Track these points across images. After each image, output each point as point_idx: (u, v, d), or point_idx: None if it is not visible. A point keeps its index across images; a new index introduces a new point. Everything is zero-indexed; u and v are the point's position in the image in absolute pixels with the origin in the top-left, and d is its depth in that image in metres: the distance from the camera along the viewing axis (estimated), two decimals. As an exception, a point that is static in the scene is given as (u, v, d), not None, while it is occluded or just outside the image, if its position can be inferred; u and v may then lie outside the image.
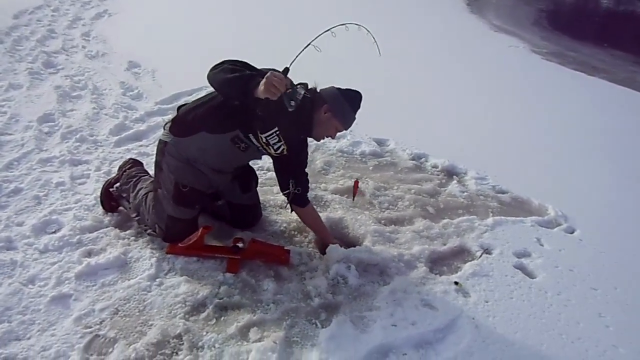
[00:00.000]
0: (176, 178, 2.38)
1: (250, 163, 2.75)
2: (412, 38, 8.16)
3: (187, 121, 2.36)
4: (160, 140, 2.48)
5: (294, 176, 2.50)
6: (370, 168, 3.62)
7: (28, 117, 3.69)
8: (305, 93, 2.16)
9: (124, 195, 2.60)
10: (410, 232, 2.83)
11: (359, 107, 2.42)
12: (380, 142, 4.04)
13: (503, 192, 3.49)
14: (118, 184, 2.65)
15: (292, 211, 2.62)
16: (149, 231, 2.50)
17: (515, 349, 2.08)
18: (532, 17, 12.56)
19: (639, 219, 3.44)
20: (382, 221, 2.94)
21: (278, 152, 2.37)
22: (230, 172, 2.56)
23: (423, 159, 3.86)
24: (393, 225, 2.90)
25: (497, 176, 3.66)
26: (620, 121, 5.66)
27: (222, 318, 2.09)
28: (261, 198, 2.82)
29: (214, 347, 1.94)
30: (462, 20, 10.39)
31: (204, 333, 2.00)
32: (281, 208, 2.92)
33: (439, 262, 2.65)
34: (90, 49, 5.53)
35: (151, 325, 2.02)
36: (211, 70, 2.15)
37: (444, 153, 3.87)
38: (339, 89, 2.38)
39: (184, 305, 2.13)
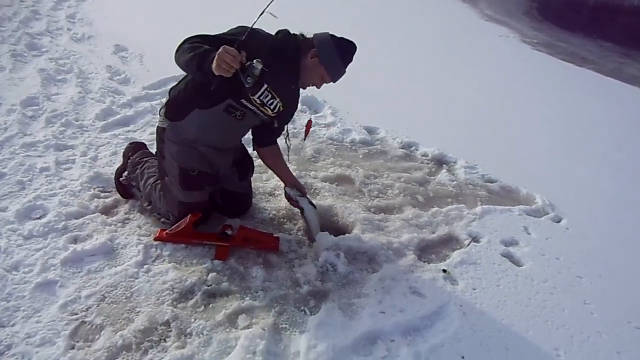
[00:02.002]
0: (179, 163, 2.35)
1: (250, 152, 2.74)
2: (404, 27, 8.11)
3: (179, 103, 2.33)
4: (157, 127, 2.45)
5: (283, 129, 2.53)
6: (360, 156, 3.61)
7: (11, 101, 3.60)
8: (262, 68, 1.93)
9: (134, 183, 2.56)
10: (399, 220, 2.83)
11: (350, 60, 2.28)
12: (370, 130, 4.03)
13: (492, 181, 3.51)
14: (126, 173, 2.60)
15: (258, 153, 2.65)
16: (162, 219, 2.48)
17: (501, 335, 2.10)
18: (523, 7, 12.57)
19: (625, 208, 3.50)
20: (372, 209, 2.94)
21: (275, 110, 2.33)
22: (232, 148, 2.53)
23: (413, 148, 3.86)
24: (382, 214, 2.91)
25: (486, 165, 3.68)
26: (606, 112, 5.73)
27: (211, 305, 2.08)
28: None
29: (202, 333, 1.93)
30: (454, 10, 10.37)
31: (192, 320, 1.99)
32: (270, 195, 2.90)
33: (428, 250, 2.66)
34: (75, 32, 5.41)
35: (138, 312, 2.00)
36: (175, 52, 2.09)
37: (434, 142, 3.88)
38: (332, 35, 2.25)
39: (171, 292, 2.11)
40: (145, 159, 2.64)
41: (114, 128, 3.47)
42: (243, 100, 2.25)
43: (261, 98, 2.24)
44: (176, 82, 2.44)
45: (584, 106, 5.76)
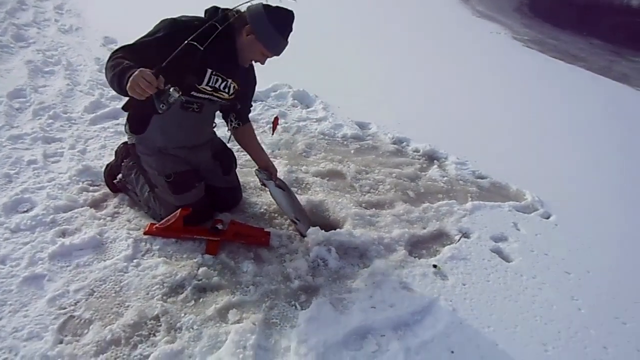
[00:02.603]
0: (159, 172, 2.34)
1: (231, 145, 2.70)
2: (395, 22, 8.11)
3: (137, 115, 2.31)
4: (128, 145, 2.46)
5: (250, 104, 2.52)
6: (352, 151, 3.61)
7: (-2, 92, 3.55)
8: (179, 96, 1.89)
9: (129, 187, 2.52)
10: (390, 215, 2.84)
11: (288, 30, 2.15)
12: (362, 126, 4.03)
13: (482, 178, 3.53)
14: (120, 175, 2.57)
15: (231, 134, 2.60)
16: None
17: (491, 331, 2.12)
18: (515, 4, 12.62)
19: (613, 204, 3.53)
20: (363, 204, 2.94)
21: (231, 92, 2.31)
22: (205, 143, 2.51)
23: (404, 143, 3.87)
24: (374, 209, 2.91)
25: (477, 161, 3.70)
26: (597, 109, 5.78)
27: (201, 300, 2.07)
28: (241, 180, 2.79)
29: (193, 328, 1.92)
30: (446, 6, 10.38)
31: (182, 314, 1.98)
32: (262, 190, 2.89)
33: (419, 246, 2.67)
34: (63, 23, 5.34)
35: (128, 306, 1.99)
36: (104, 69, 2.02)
37: (425, 138, 3.89)
38: (265, 6, 2.11)
39: (161, 286, 2.09)
40: (138, 162, 2.59)
41: (103, 121, 3.43)
42: (194, 93, 2.22)
43: (210, 84, 2.20)
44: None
45: (575, 103, 5.80)
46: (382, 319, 2.08)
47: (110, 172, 2.66)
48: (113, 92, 3.76)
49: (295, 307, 2.11)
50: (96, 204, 2.57)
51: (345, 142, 3.72)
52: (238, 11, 2.18)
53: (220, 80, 2.24)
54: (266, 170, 2.59)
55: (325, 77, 4.87)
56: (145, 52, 2.03)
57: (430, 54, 6.72)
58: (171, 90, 1.86)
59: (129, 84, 1.78)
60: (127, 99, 2.10)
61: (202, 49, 2.02)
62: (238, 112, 2.54)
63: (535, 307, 2.32)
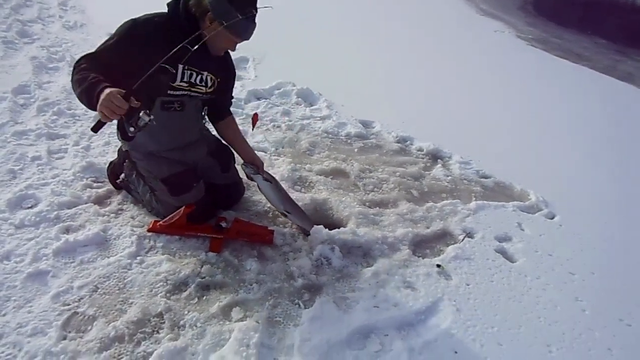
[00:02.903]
0: (155, 176, 2.35)
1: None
2: (398, 20, 8.08)
3: (122, 122, 2.30)
4: (123, 151, 2.47)
5: (231, 95, 2.50)
6: (356, 150, 3.60)
7: (2, 88, 3.54)
8: (149, 120, 1.85)
9: (132, 187, 2.52)
10: (394, 214, 2.83)
11: (250, 8, 2.00)
12: (365, 124, 4.02)
13: (486, 177, 3.52)
14: (123, 175, 2.56)
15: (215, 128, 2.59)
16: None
17: (494, 331, 2.11)
18: (519, 2, 12.57)
19: (618, 205, 3.51)
20: (367, 203, 2.93)
21: (210, 85, 2.27)
22: (196, 141, 2.48)
23: (408, 142, 3.85)
24: (377, 208, 2.90)
25: (481, 161, 3.69)
26: (601, 109, 5.75)
27: (204, 297, 2.07)
28: (242, 176, 2.78)
29: (196, 326, 1.92)
30: (449, 3, 10.33)
31: (186, 312, 1.98)
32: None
33: (422, 245, 2.66)
34: (67, 19, 5.33)
35: (131, 303, 1.99)
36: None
37: (429, 136, 3.88)
38: None
39: (165, 283, 2.09)
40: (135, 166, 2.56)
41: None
42: (170, 92, 2.16)
43: (185, 80, 2.16)
44: None
45: (579, 103, 5.78)
46: (386, 318, 2.08)
47: (113, 170, 2.66)
48: (117, 89, 3.80)
49: (299, 305, 2.11)
50: (100, 201, 2.57)
51: (349, 141, 3.71)
52: (199, 0, 2.06)
53: (194, 75, 2.18)
54: (252, 164, 2.53)
55: (329, 75, 4.86)
56: (108, 58, 1.99)
57: (434, 52, 6.70)
58: (141, 114, 1.82)
59: (99, 104, 1.74)
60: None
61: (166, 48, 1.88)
62: (217, 106, 2.50)
63: (539, 308, 2.32)
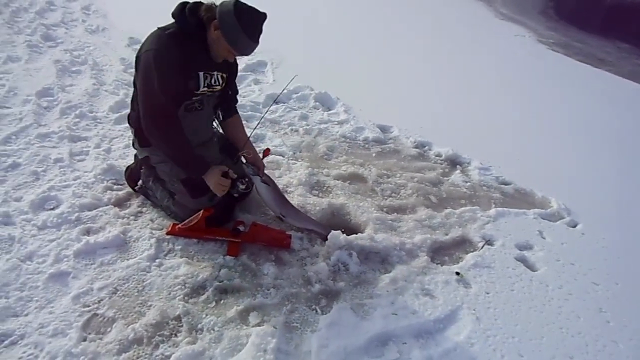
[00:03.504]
0: (176, 176, 2.37)
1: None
2: (417, 25, 8.04)
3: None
4: (140, 160, 2.49)
5: (236, 91, 2.57)
6: (373, 155, 3.58)
7: (27, 91, 3.62)
8: (244, 189, 2.31)
9: (150, 192, 2.55)
10: (412, 220, 2.80)
11: (257, 32, 2.11)
12: (383, 129, 3.99)
13: (506, 184, 3.46)
14: (140, 182, 2.60)
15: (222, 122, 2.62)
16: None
17: (515, 341, 2.07)
18: (539, 6, 12.39)
19: (642, 214, 3.43)
20: (385, 209, 2.91)
21: (222, 82, 2.37)
22: (211, 137, 2.55)
23: (426, 147, 3.82)
24: (395, 214, 2.88)
25: (500, 167, 3.63)
26: (624, 115, 5.63)
27: (222, 301, 2.07)
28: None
29: (214, 330, 1.92)
30: (469, 8, 10.26)
31: (204, 315, 1.98)
32: (283, 192, 2.88)
33: (441, 252, 2.63)
34: (90, 23, 5.43)
35: (150, 306, 2.00)
36: (149, 123, 2.16)
37: (448, 142, 3.84)
38: (236, 5, 2.06)
39: (183, 287, 2.10)
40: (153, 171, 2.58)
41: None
42: (194, 98, 2.28)
43: (206, 83, 2.27)
44: (131, 110, 2.45)
45: (601, 109, 5.67)
46: (404, 326, 2.05)
47: (131, 175, 2.69)
48: (138, 93, 3.85)
49: (316, 311, 2.10)
50: (120, 203, 2.60)
51: (366, 145, 3.70)
52: (213, 5, 2.15)
53: (209, 77, 2.29)
54: (253, 164, 2.53)
55: (347, 80, 4.85)
56: (168, 96, 2.14)
57: (453, 56, 6.64)
58: (239, 184, 2.27)
59: (212, 187, 2.23)
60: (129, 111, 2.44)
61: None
62: (227, 99, 2.56)
63: (562, 319, 2.27)
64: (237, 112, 2.64)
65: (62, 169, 2.78)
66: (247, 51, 2.19)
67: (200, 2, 2.20)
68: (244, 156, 2.52)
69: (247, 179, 2.31)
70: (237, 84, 2.59)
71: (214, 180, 2.21)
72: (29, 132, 3.10)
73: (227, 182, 2.22)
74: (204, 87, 2.28)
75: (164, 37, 2.12)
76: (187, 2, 2.19)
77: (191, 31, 2.14)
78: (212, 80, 2.32)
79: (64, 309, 1.93)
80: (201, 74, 2.24)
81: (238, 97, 2.64)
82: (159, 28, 2.18)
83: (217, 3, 2.17)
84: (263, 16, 2.12)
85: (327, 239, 2.47)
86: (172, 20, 2.19)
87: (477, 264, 2.52)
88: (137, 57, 2.19)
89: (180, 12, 2.16)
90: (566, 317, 2.28)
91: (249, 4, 2.10)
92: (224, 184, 2.22)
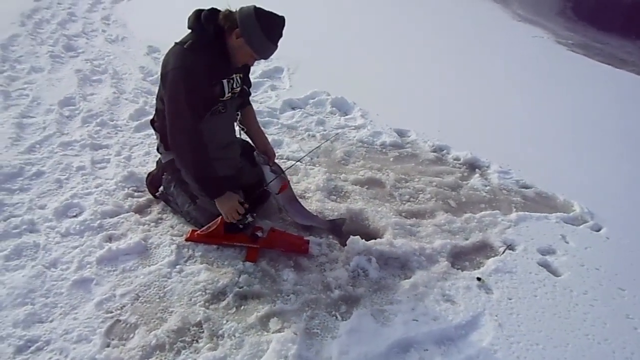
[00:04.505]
0: None
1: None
2: (432, 28, 8.00)
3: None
4: (164, 163, 2.52)
5: (249, 84, 2.61)
6: (391, 159, 3.56)
7: (49, 101, 3.70)
8: (252, 221, 2.31)
9: (171, 199, 2.58)
10: (431, 225, 2.78)
11: (278, 36, 2.17)
12: (401, 133, 3.97)
13: (527, 187, 3.41)
14: (162, 188, 2.64)
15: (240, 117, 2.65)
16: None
17: (539, 348, 2.03)
18: (557, 7, 12.20)
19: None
20: (403, 214, 2.89)
21: (240, 83, 2.44)
22: (233, 140, 2.58)
23: (445, 151, 3.78)
24: (414, 218, 2.86)
25: (520, 170, 3.58)
26: (648, 116, 5.50)
27: (242, 307, 2.08)
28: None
29: (234, 336, 1.93)
30: (486, 10, 10.16)
31: (224, 322, 1.99)
32: (300, 198, 2.89)
33: (461, 257, 2.60)
34: (110, 33, 5.53)
35: (171, 312, 2.02)
36: (174, 132, 2.20)
37: (466, 145, 3.79)
38: (256, 11, 2.12)
39: (204, 293, 2.12)
40: (177, 176, 2.56)
41: (147, 128, 3.50)
42: (219, 104, 2.33)
43: (229, 88, 2.32)
44: (154, 116, 2.49)
45: (623, 110, 5.54)
46: (425, 332, 2.03)
47: (152, 181, 2.72)
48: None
49: (336, 317, 2.09)
50: (141, 210, 2.63)
51: (384, 150, 3.68)
52: (229, 12, 2.19)
53: (231, 81, 2.34)
54: (265, 153, 2.59)
55: (364, 84, 4.84)
56: (194, 111, 2.20)
57: (470, 59, 6.58)
58: (249, 217, 2.28)
59: (224, 212, 2.25)
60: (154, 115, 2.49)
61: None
62: (243, 94, 2.58)
63: (587, 325, 2.22)
64: (250, 104, 2.69)
65: (84, 177, 2.84)
66: (269, 55, 2.24)
67: (215, 8, 2.23)
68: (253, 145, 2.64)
69: (255, 214, 2.34)
70: (254, 91, 2.62)
71: (230, 205, 2.23)
72: (52, 140, 3.17)
73: (241, 209, 2.24)
74: (228, 93, 2.33)
75: (186, 53, 2.15)
76: (202, 10, 2.22)
77: (210, 41, 2.17)
78: (234, 84, 2.37)
79: (88, 315, 1.96)
80: (225, 81, 2.28)
81: (255, 103, 2.67)
82: (176, 43, 2.22)
83: (231, 8, 2.20)
84: (282, 20, 2.17)
85: (345, 244, 2.45)
86: (189, 31, 2.23)
87: (499, 269, 2.48)
88: (162, 75, 2.23)
89: (196, 22, 2.19)
90: (591, 323, 2.23)
91: (266, 8, 2.13)
92: (238, 212, 2.24)
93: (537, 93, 5.61)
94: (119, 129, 3.47)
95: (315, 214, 2.70)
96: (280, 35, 2.18)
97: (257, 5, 2.14)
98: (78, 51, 4.86)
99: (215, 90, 2.27)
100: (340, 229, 2.62)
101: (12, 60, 4.33)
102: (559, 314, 2.25)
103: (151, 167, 2.88)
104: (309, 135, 3.72)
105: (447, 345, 2.01)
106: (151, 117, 2.56)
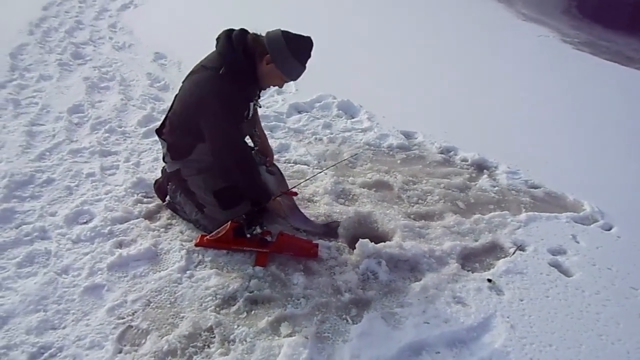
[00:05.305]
0: (209, 189, 2.42)
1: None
2: (438, 28, 7.99)
3: (180, 145, 2.42)
4: (169, 173, 2.54)
5: None
6: (398, 161, 3.56)
7: (58, 108, 3.74)
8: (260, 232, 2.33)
9: (179, 207, 2.60)
10: (440, 227, 2.77)
11: (307, 57, 2.23)
12: (407, 135, 3.96)
13: (536, 187, 3.39)
14: (168, 197, 2.65)
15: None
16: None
17: (552, 349, 2.02)
18: (562, 6, 12.14)
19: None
20: (412, 216, 2.88)
21: (258, 103, 2.54)
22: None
23: (452, 152, 3.77)
24: (423, 220, 2.85)
25: (529, 170, 3.56)
26: (657, 114, 5.44)
27: (253, 312, 2.08)
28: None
29: (246, 340, 1.93)
30: (490, 9, 10.13)
31: (235, 326, 1.99)
32: (309, 201, 2.90)
33: (471, 259, 2.59)
34: (117, 40, 5.58)
35: (183, 317, 2.03)
36: (230, 154, 2.29)
37: (474, 146, 3.78)
38: (284, 35, 2.18)
39: (214, 298, 2.12)
40: (183, 183, 2.59)
41: (155, 134, 3.53)
42: (247, 115, 2.41)
43: (252, 109, 2.46)
44: (162, 126, 2.53)
45: (631, 107, 5.49)
46: (437, 335, 2.03)
47: (159, 188, 2.74)
48: (164, 106, 3.94)
49: (347, 321, 2.09)
50: (150, 216, 2.65)
51: (391, 152, 3.67)
52: (256, 35, 2.26)
53: (255, 102, 2.48)
54: (263, 153, 2.67)
55: (369, 87, 4.84)
56: (240, 127, 2.36)
57: (475, 59, 6.55)
58: (257, 228, 2.31)
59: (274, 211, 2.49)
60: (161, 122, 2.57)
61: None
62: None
63: (600, 325, 2.20)
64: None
65: (94, 184, 2.86)
66: (299, 77, 2.30)
67: (245, 30, 2.27)
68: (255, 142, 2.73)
69: (265, 227, 2.38)
70: (261, 95, 2.65)
71: (278, 205, 2.44)
72: (61, 148, 3.20)
73: (283, 213, 2.51)
74: (252, 110, 2.46)
75: (224, 80, 2.19)
76: (232, 31, 2.25)
77: (242, 67, 2.22)
78: (256, 104, 2.48)
79: (100, 322, 1.97)
80: (252, 104, 2.42)
81: (262, 108, 2.71)
82: (206, 67, 2.24)
83: (257, 31, 2.27)
84: (310, 41, 2.22)
85: (354, 247, 2.45)
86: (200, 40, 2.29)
87: (509, 270, 2.47)
88: (199, 100, 2.24)
89: (228, 47, 2.21)
90: (604, 323, 2.21)
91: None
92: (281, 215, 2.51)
93: (543, 92, 5.58)
94: (127, 135, 3.49)
95: (323, 217, 2.71)
96: (309, 57, 2.23)
97: (283, 29, 2.20)
98: (86, 59, 4.91)
99: (246, 112, 2.37)
100: (335, 232, 2.62)
101: (22, 69, 4.38)
102: (572, 315, 2.23)
103: (160, 173, 2.90)
104: (315, 138, 3.73)
105: (459, 347, 2.00)
106: (161, 122, 2.58)
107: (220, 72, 2.18)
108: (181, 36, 5.82)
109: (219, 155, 2.30)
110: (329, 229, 2.62)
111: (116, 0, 7.29)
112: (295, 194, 2.69)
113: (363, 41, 6.62)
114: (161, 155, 3.15)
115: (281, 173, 2.70)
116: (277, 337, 1.96)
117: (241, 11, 7.25)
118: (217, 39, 2.27)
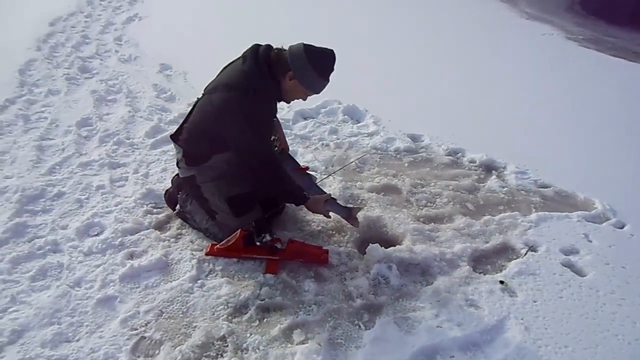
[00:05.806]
0: (224, 196, 2.42)
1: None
2: (440, 30, 7.98)
3: (197, 152, 2.41)
4: (182, 178, 2.55)
5: None
6: (406, 165, 3.55)
7: (67, 122, 3.77)
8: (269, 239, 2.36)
9: (189, 216, 2.61)
10: (450, 229, 2.76)
11: (330, 71, 2.26)
12: (414, 138, 3.95)
13: (545, 187, 3.36)
14: (178, 206, 2.67)
15: None
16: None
17: (568, 351, 1.99)
18: (565, 3, 12.09)
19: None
20: (421, 219, 2.87)
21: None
22: None
23: (459, 154, 3.76)
24: (432, 223, 2.84)
25: (538, 170, 3.54)
26: (666, 109, 5.39)
27: (265, 319, 2.09)
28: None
29: (259, 349, 1.93)
30: (493, 10, 10.11)
31: (248, 335, 1.99)
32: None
33: (483, 261, 2.57)
34: (123, 53, 5.63)
35: (195, 327, 2.03)
36: (269, 170, 2.32)
37: (481, 147, 3.76)
38: (306, 49, 2.20)
39: (226, 306, 2.13)
40: (193, 192, 2.60)
41: (163, 145, 3.56)
42: None
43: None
44: (179, 132, 2.51)
45: (640, 103, 5.45)
46: (450, 338, 2.01)
47: (170, 197, 2.76)
48: (171, 117, 3.97)
49: (359, 326, 2.08)
50: (160, 226, 2.66)
51: (398, 156, 3.67)
52: (278, 50, 2.27)
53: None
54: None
55: (374, 91, 4.84)
56: (270, 142, 2.50)
57: (479, 59, 6.54)
58: (267, 236, 2.35)
59: (317, 211, 2.51)
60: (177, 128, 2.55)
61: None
62: None
63: (616, 325, 2.17)
64: None
65: (104, 196, 2.88)
66: (322, 90, 2.34)
67: (270, 46, 2.30)
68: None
69: (275, 235, 2.42)
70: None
71: (319, 205, 2.46)
72: (71, 161, 3.23)
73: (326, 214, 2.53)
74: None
75: (252, 104, 2.19)
76: (259, 46, 2.28)
77: (269, 86, 2.25)
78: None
79: (113, 333, 1.98)
80: (275, 119, 2.50)
81: None
82: (234, 88, 2.22)
83: (279, 45, 2.29)
84: (333, 55, 2.24)
85: (365, 253, 2.45)
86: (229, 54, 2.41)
87: (522, 271, 2.45)
88: (227, 121, 2.23)
89: (257, 72, 2.22)
90: (620, 323, 2.18)
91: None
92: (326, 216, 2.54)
93: (549, 90, 5.55)
94: (135, 147, 3.52)
95: (332, 223, 2.71)
96: (332, 70, 2.26)
97: (306, 43, 2.22)
98: (93, 72, 4.95)
99: (272, 128, 2.48)
100: (355, 218, 2.60)
101: (30, 84, 4.43)
102: (586, 315, 2.21)
103: (169, 182, 2.92)
104: (322, 144, 3.73)
105: (473, 351, 1.99)
106: (168, 132, 2.60)
107: (250, 93, 2.19)
108: (186, 47, 5.87)
109: (258, 174, 2.32)
110: (350, 214, 2.60)
111: (121, 14, 7.36)
112: (307, 168, 2.77)
113: (365, 44, 6.62)
114: (169, 166, 3.19)
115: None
116: (290, 345, 1.95)
117: (244, 19, 7.30)
118: (244, 56, 2.28)
